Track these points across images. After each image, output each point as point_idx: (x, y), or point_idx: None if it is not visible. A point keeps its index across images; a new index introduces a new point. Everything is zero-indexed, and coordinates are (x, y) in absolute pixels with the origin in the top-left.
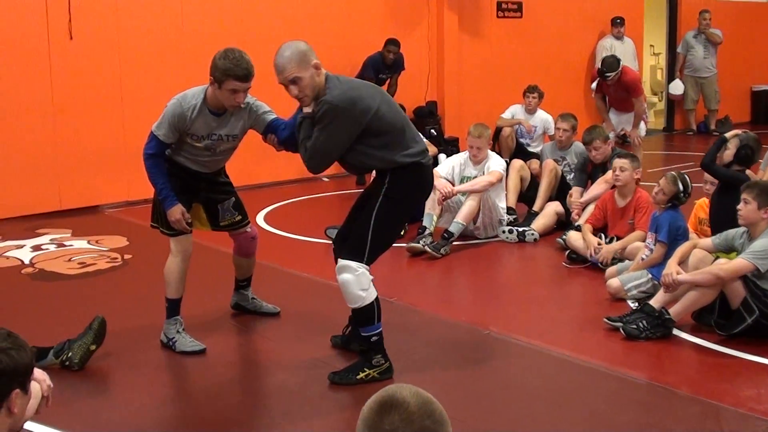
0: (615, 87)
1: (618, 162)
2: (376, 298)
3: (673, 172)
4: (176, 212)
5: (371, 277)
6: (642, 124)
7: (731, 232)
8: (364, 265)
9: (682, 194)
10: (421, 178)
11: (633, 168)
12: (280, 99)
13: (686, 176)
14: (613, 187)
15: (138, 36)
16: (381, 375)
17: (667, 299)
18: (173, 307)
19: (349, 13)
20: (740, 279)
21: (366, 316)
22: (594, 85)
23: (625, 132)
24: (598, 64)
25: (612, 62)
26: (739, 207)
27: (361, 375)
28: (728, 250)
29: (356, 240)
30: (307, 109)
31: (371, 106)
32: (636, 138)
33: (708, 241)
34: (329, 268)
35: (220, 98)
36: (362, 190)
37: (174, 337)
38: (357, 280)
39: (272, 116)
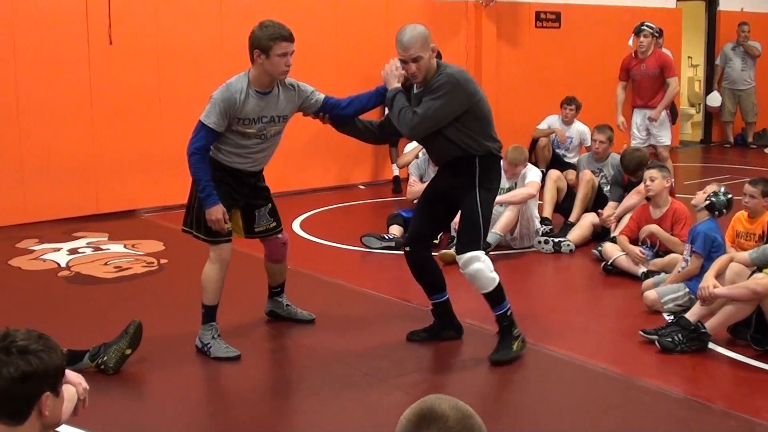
0: (648, 63)
1: (648, 173)
2: None
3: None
4: (218, 211)
5: None
6: (716, 94)
7: None
8: (483, 252)
9: (720, 195)
10: (499, 167)
11: (663, 177)
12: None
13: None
14: (648, 199)
15: (177, 42)
16: (523, 342)
17: (703, 312)
18: (209, 313)
19: (387, 23)
20: None
21: (499, 295)
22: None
23: (650, 118)
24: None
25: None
26: None
27: (514, 348)
28: (765, 264)
29: (470, 231)
30: (394, 82)
31: (478, 91)
32: (657, 115)
33: (745, 255)
34: (364, 276)
35: (268, 69)
36: (428, 188)
37: (209, 343)
38: (486, 265)
39: (323, 95)
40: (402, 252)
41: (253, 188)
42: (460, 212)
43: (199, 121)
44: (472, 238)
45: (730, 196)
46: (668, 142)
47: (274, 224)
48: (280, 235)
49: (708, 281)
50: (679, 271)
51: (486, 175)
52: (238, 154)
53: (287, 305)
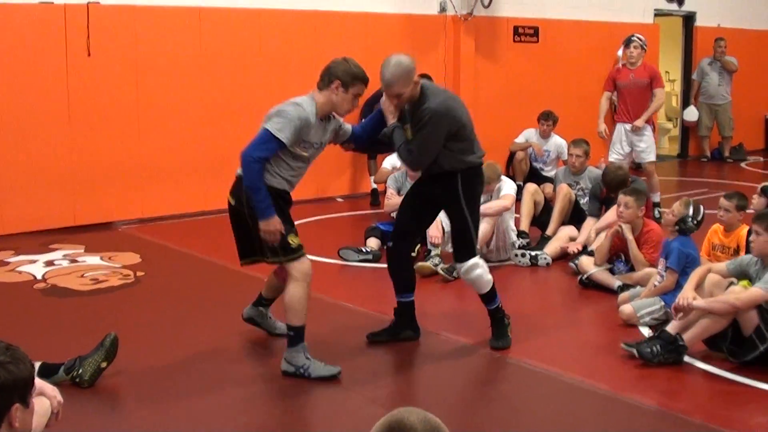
0: (637, 73)
1: (623, 199)
2: None
3: (687, 199)
4: (277, 222)
5: None
6: (693, 108)
7: (745, 258)
8: (478, 256)
9: (689, 218)
10: (482, 175)
11: (638, 206)
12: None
13: (701, 206)
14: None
15: (155, 54)
16: (509, 324)
17: (682, 325)
18: (299, 335)
19: (365, 36)
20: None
21: (493, 293)
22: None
23: (634, 126)
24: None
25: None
26: (751, 239)
27: (509, 333)
28: (741, 276)
29: (463, 241)
30: (391, 119)
31: (462, 116)
32: (641, 123)
33: (722, 266)
34: (341, 289)
35: (337, 102)
36: (414, 191)
37: (305, 364)
38: (484, 270)
39: (349, 125)
40: (379, 265)
41: (290, 204)
42: (450, 225)
43: (268, 131)
44: (469, 247)
45: (699, 218)
46: (653, 158)
47: None
48: None
49: (687, 293)
50: (654, 285)
51: (468, 185)
52: (287, 177)
53: (270, 317)
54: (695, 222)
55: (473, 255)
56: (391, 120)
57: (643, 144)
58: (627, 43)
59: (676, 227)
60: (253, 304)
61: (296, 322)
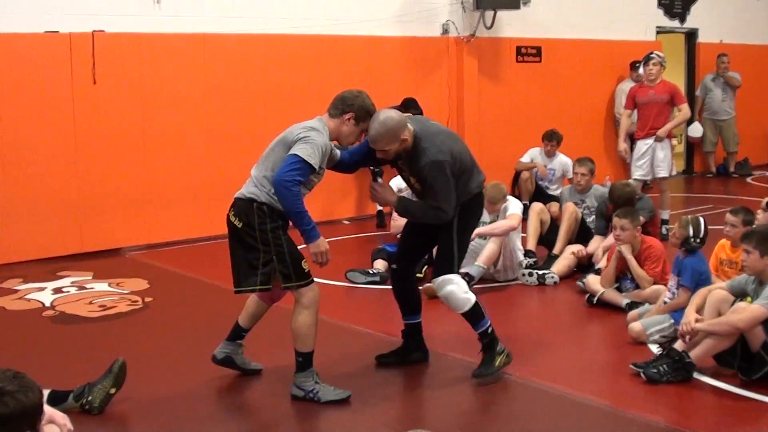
0: (657, 89)
1: (619, 222)
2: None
3: (686, 216)
4: (325, 243)
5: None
6: (697, 124)
7: (743, 277)
8: (457, 274)
9: (692, 239)
10: (482, 201)
11: (634, 226)
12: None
13: (701, 220)
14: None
15: (160, 81)
16: (507, 357)
17: (690, 343)
18: (308, 360)
19: (369, 58)
20: (762, 323)
21: (476, 314)
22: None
23: (657, 136)
24: (618, 108)
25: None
26: (743, 258)
27: (497, 363)
28: (741, 294)
29: (445, 257)
30: (393, 198)
31: (460, 152)
32: (665, 132)
33: (723, 286)
34: (349, 311)
35: (344, 133)
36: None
37: (314, 389)
38: (458, 287)
39: (338, 151)
40: (386, 286)
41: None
42: (438, 243)
43: (298, 155)
44: (446, 262)
45: (702, 235)
46: (666, 174)
47: None
48: None
49: (689, 316)
50: (665, 302)
51: (465, 214)
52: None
53: (241, 353)
54: (698, 240)
55: (447, 272)
56: (393, 199)
57: (661, 158)
58: (646, 60)
59: (683, 249)
60: (228, 339)
61: (305, 348)
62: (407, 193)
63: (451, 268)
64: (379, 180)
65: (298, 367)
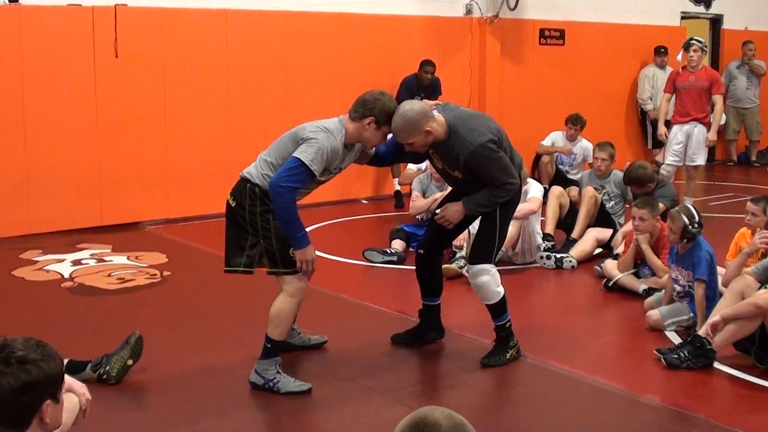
0: (698, 75)
1: (638, 212)
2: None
3: (673, 210)
4: (312, 250)
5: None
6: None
7: None
8: (493, 266)
9: (689, 226)
10: (520, 188)
11: (653, 216)
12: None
13: (690, 206)
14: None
15: (183, 57)
16: (518, 353)
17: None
18: (275, 348)
19: (392, 38)
20: None
21: (500, 308)
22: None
23: (708, 141)
24: (641, 94)
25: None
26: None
27: (507, 356)
28: (767, 279)
29: (484, 246)
30: (460, 208)
31: (497, 130)
32: (714, 136)
33: (748, 271)
34: (366, 290)
35: (366, 137)
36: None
37: (275, 378)
38: (493, 279)
39: (372, 149)
40: (403, 266)
41: None
42: (477, 228)
43: (299, 159)
44: (485, 251)
45: (697, 218)
46: (702, 162)
47: None
48: None
49: (715, 317)
50: (679, 295)
51: (508, 201)
52: (298, 194)
53: (299, 333)
54: (696, 225)
55: (486, 262)
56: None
57: (697, 145)
58: (686, 46)
59: (685, 240)
60: None
61: (276, 336)
62: (425, 176)
63: (489, 257)
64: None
65: (263, 353)
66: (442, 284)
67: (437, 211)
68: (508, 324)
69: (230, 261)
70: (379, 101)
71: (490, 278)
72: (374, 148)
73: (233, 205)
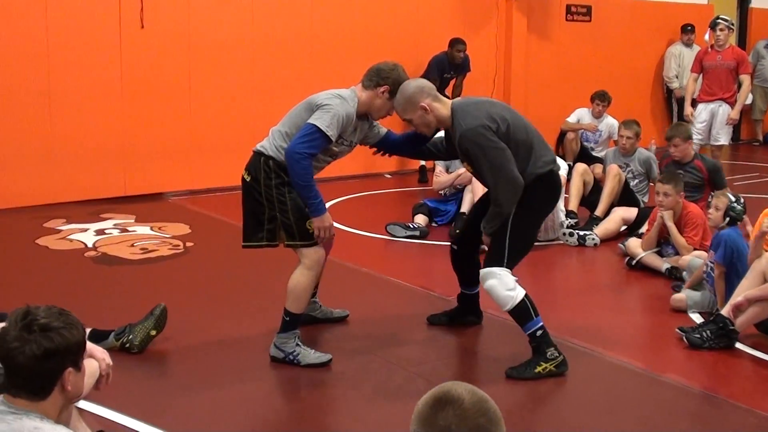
0: (725, 55)
1: (662, 187)
2: (526, 295)
3: (720, 191)
4: (329, 218)
5: (515, 278)
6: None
7: None
8: (505, 269)
9: (735, 204)
10: (552, 185)
11: (677, 192)
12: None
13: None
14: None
15: (208, 28)
16: (557, 368)
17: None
18: (294, 322)
19: (417, 12)
20: None
21: (522, 313)
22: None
23: (730, 119)
24: (667, 72)
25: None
26: None
27: (538, 369)
28: None
29: (495, 249)
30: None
31: (499, 117)
32: (737, 115)
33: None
34: (388, 264)
35: (377, 106)
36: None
37: (294, 350)
38: (500, 282)
39: (384, 129)
40: (426, 241)
41: None
42: None
43: (314, 125)
44: (495, 255)
45: (743, 201)
46: (725, 142)
47: None
48: None
49: (738, 298)
50: (706, 275)
51: (530, 197)
52: (313, 167)
53: (321, 306)
54: (742, 205)
55: (495, 265)
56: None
57: (721, 124)
58: (713, 25)
59: (727, 219)
60: None
61: (295, 309)
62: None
63: (500, 261)
64: None
65: (282, 326)
66: (478, 275)
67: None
68: (538, 332)
69: (250, 237)
70: (394, 71)
71: (496, 282)
72: (384, 134)
73: (248, 180)
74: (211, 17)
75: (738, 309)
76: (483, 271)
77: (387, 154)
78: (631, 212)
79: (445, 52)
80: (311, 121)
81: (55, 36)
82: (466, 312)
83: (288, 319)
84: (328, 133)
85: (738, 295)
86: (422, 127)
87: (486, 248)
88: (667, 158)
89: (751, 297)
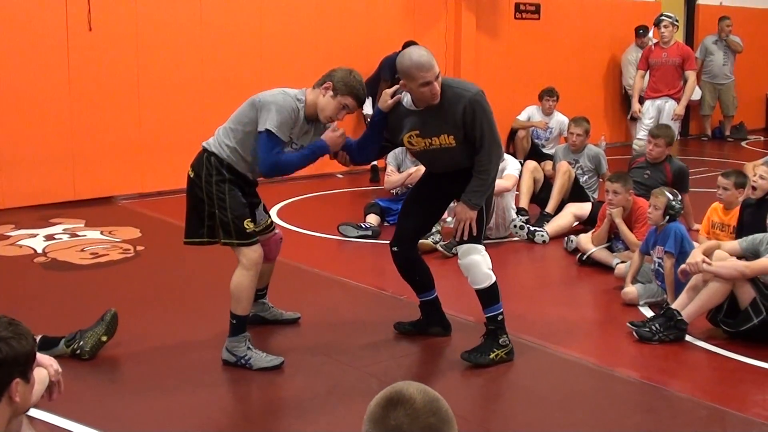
0: (670, 52)
1: (612, 186)
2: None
3: (658, 189)
4: (331, 137)
5: None
6: (698, 90)
7: (758, 236)
8: (483, 246)
9: (673, 201)
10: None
11: (626, 190)
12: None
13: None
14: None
15: (156, 29)
16: (507, 355)
17: (683, 303)
18: (242, 324)
19: (367, 12)
20: (750, 280)
21: (491, 295)
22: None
23: (676, 114)
24: (625, 79)
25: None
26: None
27: (492, 356)
28: (754, 254)
29: (476, 226)
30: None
31: None
32: (682, 111)
33: (734, 244)
34: (340, 264)
35: (322, 106)
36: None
37: (246, 354)
38: (484, 260)
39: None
40: (378, 240)
41: (252, 187)
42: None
43: (266, 130)
44: (474, 231)
45: (679, 198)
46: (698, 97)
47: (270, 220)
48: (276, 231)
49: (696, 257)
50: (654, 273)
51: None
52: (252, 165)
53: (271, 307)
54: (679, 202)
55: (477, 242)
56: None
57: (666, 119)
58: (657, 22)
59: (667, 217)
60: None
61: (240, 311)
62: (400, 150)
63: (479, 239)
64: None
65: (231, 330)
66: (430, 276)
67: (448, 219)
68: (500, 317)
69: (191, 233)
70: (342, 71)
71: (480, 258)
72: (347, 144)
73: (192, 176)
74: (159, 19)
75: (688, 274)
76: (465, 246)
77: (354, 163)
78: (584, 208)
79: (397, 53)
80: (261, 128)
81: (1, 40)
82: (430, 323)
83: (235, 322)
84: (279, 135)
85: (695, 259)
86: (432, 98)
87: (448, 220)
88: (640, 157)
89: (709, 271)
